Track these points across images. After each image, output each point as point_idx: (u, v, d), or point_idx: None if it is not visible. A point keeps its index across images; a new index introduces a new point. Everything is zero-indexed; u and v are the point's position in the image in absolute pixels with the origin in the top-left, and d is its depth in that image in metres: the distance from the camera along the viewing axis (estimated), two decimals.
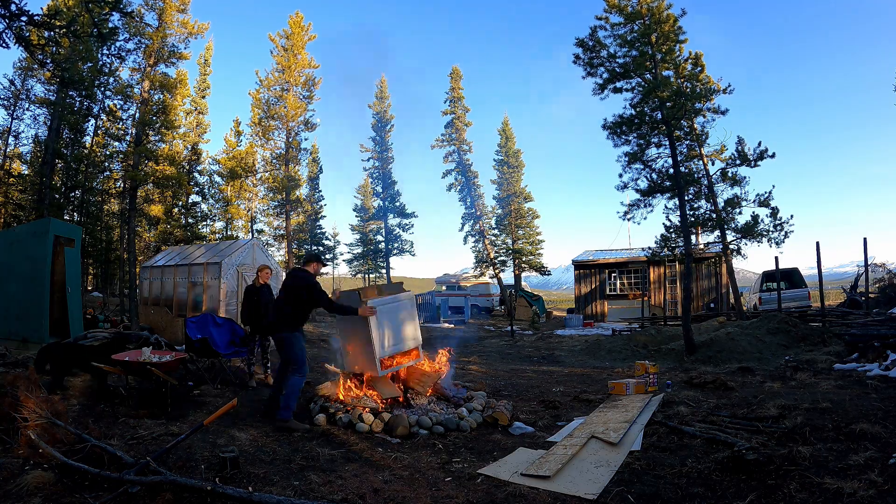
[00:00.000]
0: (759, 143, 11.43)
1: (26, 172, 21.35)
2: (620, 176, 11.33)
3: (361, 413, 4.53)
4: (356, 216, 30.51)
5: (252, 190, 24.87)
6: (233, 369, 6.65)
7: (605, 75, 10.48)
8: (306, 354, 4.79)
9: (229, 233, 25.56)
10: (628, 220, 12.23)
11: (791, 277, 15.61)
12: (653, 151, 10.91)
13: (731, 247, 12.47)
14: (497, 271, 30.62)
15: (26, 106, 19.35)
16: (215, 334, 6.52)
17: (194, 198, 24.37)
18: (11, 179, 19.96)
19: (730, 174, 12.02)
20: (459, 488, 3.15)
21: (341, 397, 4.90)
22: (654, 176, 10.91)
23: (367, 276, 30.85)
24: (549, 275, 33.47)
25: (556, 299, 50.35)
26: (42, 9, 18.44)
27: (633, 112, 10.36)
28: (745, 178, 11.91)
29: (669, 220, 11.96)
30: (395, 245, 30.17)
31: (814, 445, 3.44)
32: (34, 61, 13.48)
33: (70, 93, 16.75)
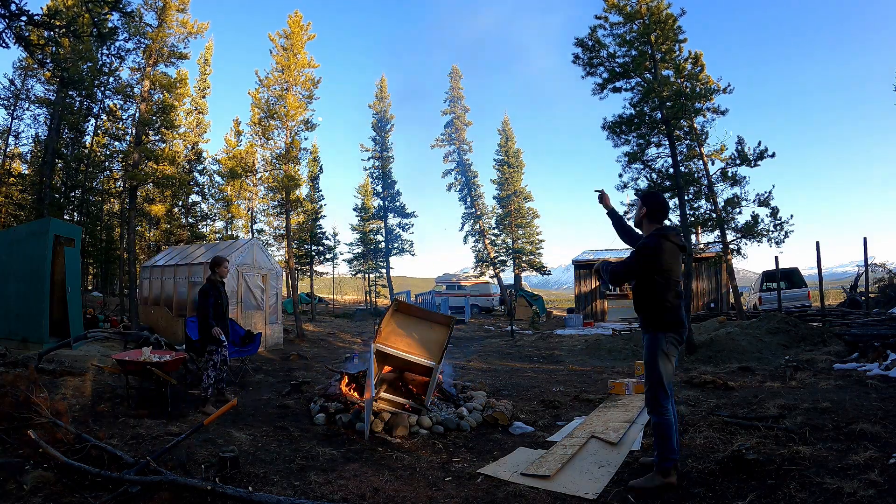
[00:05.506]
0: (759, 143, 11.44)
1: (26, 172, 21.34)
2: (620, 176, 11.33)
3: (361, 413, 4.53)
4: (356, 216, 30.50)
5: (252, 189, 24.87)
6: (233, 369, 6.65)
7: (604, 75, 10.48)
8: None
9: (229, 232, 25.60)
10: (628, 219, 12.25)
11: (791, 277, 15.61)
12: (653, 151, 10.91)
13: (731, 247, 12.47)
14: (497, 271, 30.61)
15: (26, 106, 19.36)
16: None
17: (195, 197, 24.38)
18: (11, 179, 19.93)
19: (730, 174, 12.01)
20: (459, 488, 3.15)
21: (344, 396, 4.90)
22: (654, 176, 10.91)
23: (367, 275, 30.86)
24: (549, 275, 33.46)
25: (556, 299, 50.33)
26: (42, 9, 18.46)
27: (633, 112, 10.36)
28: (744, 177, 11.90)
29: (669, 220, 11.97)
30: (395, 245, 30.20)
31: (814, 445, 3.44)
32: (34, 61, 13.48)
33: (70, 93, 16.71)
